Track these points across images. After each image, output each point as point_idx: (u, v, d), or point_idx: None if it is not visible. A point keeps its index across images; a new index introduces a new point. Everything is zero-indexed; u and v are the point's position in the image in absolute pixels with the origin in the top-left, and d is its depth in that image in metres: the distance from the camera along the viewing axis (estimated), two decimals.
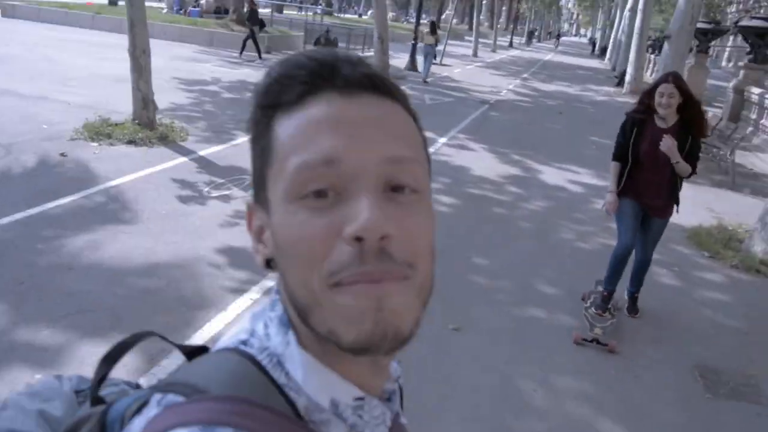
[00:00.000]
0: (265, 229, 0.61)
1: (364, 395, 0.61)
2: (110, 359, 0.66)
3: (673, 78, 4.11)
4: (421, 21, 22.51)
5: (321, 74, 0.56)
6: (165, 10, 25.70)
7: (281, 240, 0.56)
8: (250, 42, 18.40)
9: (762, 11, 24.94)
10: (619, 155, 4.36)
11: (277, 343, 0.60)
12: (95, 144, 7.47)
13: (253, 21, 18.50)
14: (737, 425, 3.60)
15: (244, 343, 0.60)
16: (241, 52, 18.39)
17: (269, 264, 0.61)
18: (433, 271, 0.58)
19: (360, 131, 0.54)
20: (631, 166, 4.29)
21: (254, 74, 15.17)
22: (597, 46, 52.95)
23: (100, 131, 7.79)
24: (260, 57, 18.34)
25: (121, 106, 8.90)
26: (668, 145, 4.03)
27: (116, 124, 8.12)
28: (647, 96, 4.18)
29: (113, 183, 6.21)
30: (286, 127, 0.56)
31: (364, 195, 0.52)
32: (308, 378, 0.58)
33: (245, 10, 19.06)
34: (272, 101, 0.58)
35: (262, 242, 0.62)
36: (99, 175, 6.39)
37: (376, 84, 0.58)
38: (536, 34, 73.90)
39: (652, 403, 3.67)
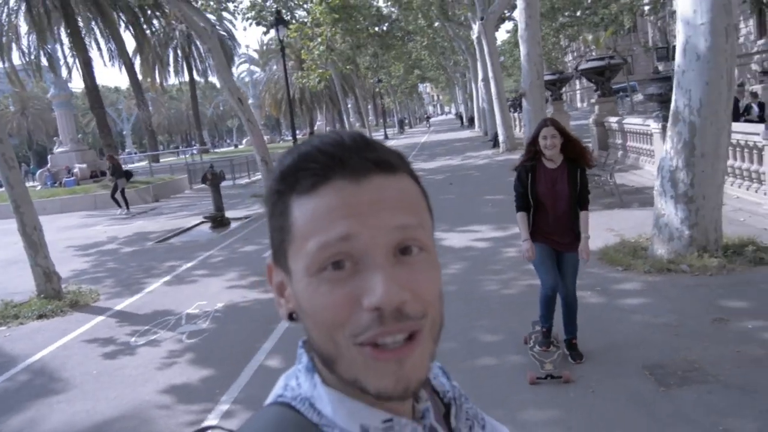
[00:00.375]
0: (286, 286, 0.68)
1: (392, 416, 0.66)
2: None
3: (551, 122, 4.49)
4: (297, 136, 23.28)
5: (331, 166, 0.62)
6: (39, 187, 25.19)
7: (305, 306, 0.63)
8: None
9: (593, 53, 27.77)
10: (522, 204, 4.59)
11: (307, 388, 0.67)
12: (4, 327, 7.16)
13: (118, 174, 18.45)
14: (694, 407, 3.82)
15: (281, 396, 0.68)
16: (127, 207, 18.22)
17: (291, 317, 0.68)
18: (442, 310, 0.66)
19: (369, 210, 0.60)
20: (534, 211, 4.55)
21: (149, 225, 15.05)
22: (464, 118, 55.97)
23: (6, 314, 7.52)
24: (127, 209, 18.19)
25: (21, 286, 8.61)
26: (588, 253, 4.52)
27: (21, 304, 7.82)
28: (532, 144, 4.53)
29: (34, 358, 5.94)
30: (303, 211, 0.62)
31: (378, 269, 0.59)
32: (337, 411, 0.65)
33: (108, 166, 18.99)
34: (288, 188, 0.64)
35: (284, 297, 0.69)
36: (17, 354, 6.11)
37: (380, 165, 0.63)
38: (407, 121, 77.92)
39: (615, 409, 3.84)
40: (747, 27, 35.15)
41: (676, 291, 5.92)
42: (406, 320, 0.60)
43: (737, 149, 9.57)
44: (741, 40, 33.86)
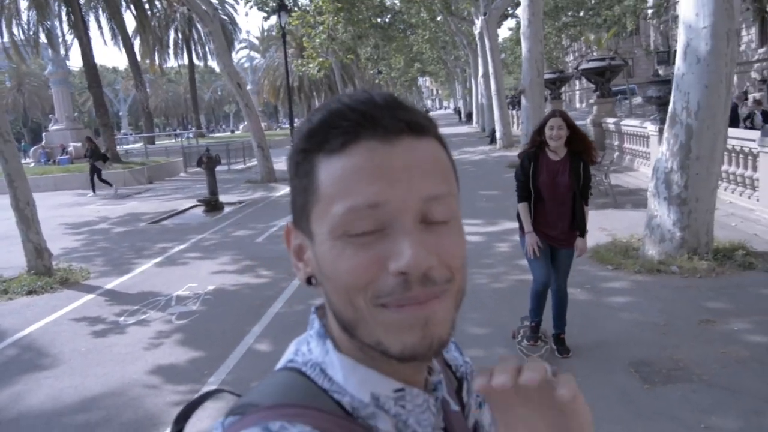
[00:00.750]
0: (305, 249, 0.66)
1: (404, 386, 0.65)
2: (181, 418, 0.70)
3: (560, 113, 4.47)
4: (295, 124, 23.25)
5: (363, 125, 0.59)
6: (32, 164, 25.09)
7: (328, 269, 0.61)
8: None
9: (595, 54, 27.82)
10: (524, 194, 4.55)
11: (318, 354, 0.66)
12: None
13: (96, 157, 18.38)
14: (678, 404, 3.86)
15: (292, 361, 0.67)
16: (93, 190, 18.17)
17: (310, 281, 0.66)
18: (466, 276, 0.65)
19: (400, 176, 0.58)
20: (535, 201, 4.52)
21: (142, 206, 15.02)
22: (463, 113, 56.02)
23: None
24: (93, 192, 18.15)
25: (12, 261, 8.58)
26: (584, 249, 4.55)
27: (10, 279, 7.80)
28: (537, 134, 4.49)
29: (23, 333, 5.94)
30: (330, 171, 0.59)
31: (407, 234, 0.57)
32: (348, 378, 0.64)
33: (86, 148, 18.96)
34: (315, 146, 0.61)
35: (303, 261, 0.67)
36: (5, 329, 6.10)
37: (413, 127, 0.61)
38: None
39: (599, 405, 3.87)
40: (749, 35, 35.21)
41: (665, 291, 5.96)
42: (432, 285, 0.58)
43: (732, 155, 9.62)
44: (742, 47, 33.94)
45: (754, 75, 32.76)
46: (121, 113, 63.04)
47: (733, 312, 5.28)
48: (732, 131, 8.78)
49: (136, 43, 40.71)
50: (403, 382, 0.65)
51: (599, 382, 4.20)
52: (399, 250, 0.57)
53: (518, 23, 19.40)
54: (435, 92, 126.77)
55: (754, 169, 9.07)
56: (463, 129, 42.99)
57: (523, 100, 16.46)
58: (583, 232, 4.53)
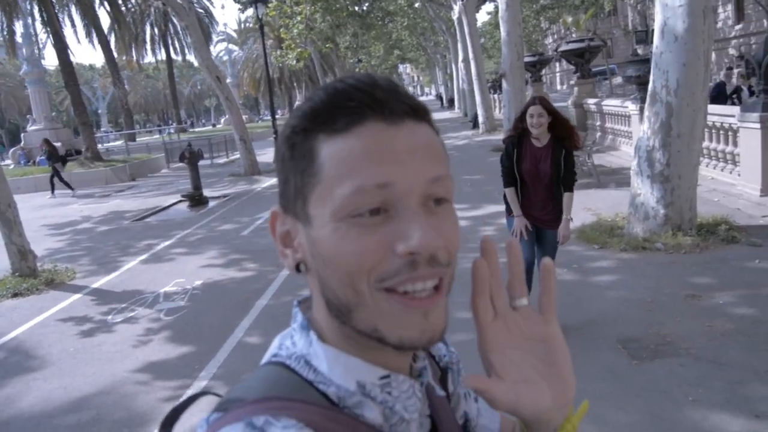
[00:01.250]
0: (295, 234, 0.65)
1: (389, 373, 0.65)
2: (167, 423, 0.69)
3: (540, 100, 4.46)
4: (277, 116, 23.09)
5: (370, 106, 0.59)
6: (12, 166, 24.77)
7: (329, 251, 0.59)
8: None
9: (573, 36, 27.86)
10: (510, 180, 4.57)
11: (302, 346, 0.66)
12: None
13: (55, 159, 18.15)
14: (665, 379, 3.91)
15: (276, 356, 0.66)
16: (52, 191, 17.90)
17: (299, 267, 0.65)
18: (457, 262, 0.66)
19: (404, 158, 0.59)
20: (520, 185, 4.54)
21: (125, 204, 14.91)
22: (444, 99, 55.91)
23: None
24: (52, 193, 17.90)
25: None
26: (567, 236, 4.51)
27: None
28: (519, 121, 4.50)
29: (9, 336, 5.89)
30: (335, 152, 0.59)
31: (414, 216, 0.58)
32: (333, 368, 0.63)
33: (44, 150, 18.69)
34: (318, 126, 0.60)
35: (291, 247, 0.65)
36: None
37: (415, 110, 0.62)
38: None
39: (588, 382, 3.90)
40: (725, 12, 35.44)
41: (650, 268, 6.02)
42: (437, 266, 0.59)
43: (713, 131, 9.69)
44: (719, 24, 34.16)
45: (731, 51, 33.02)
46: (100, 111, 62.22)
47: (718, 286, 5.35)
48: (712, 108, 8.85)
49: (112, 40, 40.28)
50: (388, 367, 0.65)
51: (588, 360, 4.24)
52: (408, 231, 0.57)
53: (496, 7, 19.32)
54: (416, 79, 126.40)
55: (735, 144, 9.15)
56: (446, 114, 42.97)
57: (504, 84, 16.47)
58: (564, 219, 4.54)
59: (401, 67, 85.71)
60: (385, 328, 0.59)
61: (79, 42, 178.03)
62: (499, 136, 16.68)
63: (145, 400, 4.31)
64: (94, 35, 34.55)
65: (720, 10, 34.87)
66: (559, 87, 58.38)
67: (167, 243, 9.69)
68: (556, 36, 50.73)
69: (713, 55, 19.01)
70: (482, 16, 58.21)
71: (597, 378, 3.96)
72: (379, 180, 0.57)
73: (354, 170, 0.58)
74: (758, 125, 8.10)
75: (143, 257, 8.88)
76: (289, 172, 0.63)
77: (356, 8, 30.24)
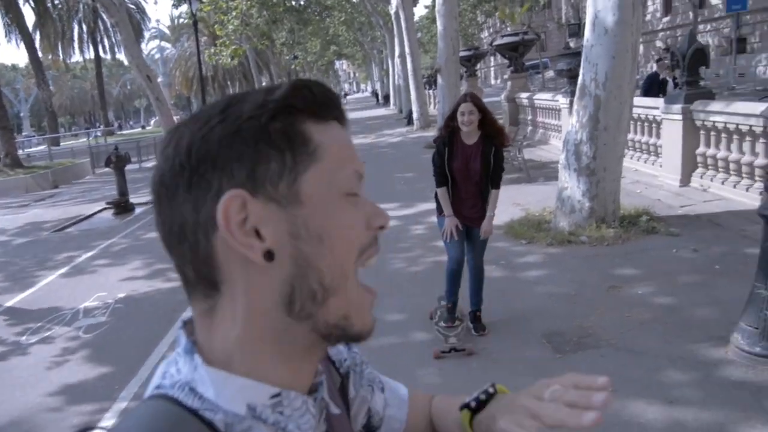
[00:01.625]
0: (258, 221, 0.58)
1: (280, 390, 0.62)
2: None
3: (471, 97, 4.47)
4: None
5: (339, 107, 0.67)
6: None
7: (326, 227, 0.60)
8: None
9: (509, 29, 28.26)
10: (442, 179, 4.56)
11: (186, 372, 0.61)
12: None
13: None
14: (587, 371, 3.85)
15: (159, 387, 0.61)
16: None
17: (271, 256, 0.59)
18: None
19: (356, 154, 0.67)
20: (451, 184, 4.55)
21: (45, 214, 14.22)
22: (380, 95, 55.80)
23: None
24: None
25: None
26: (488, 231, 4.52)
27: None
28: (450, 119, 4.50)
29: None
30: (330, 136, 0.64)
31: (369, 200, 0.67)
32: (220, 392, 0.59)
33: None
34: (304, 113, 0.62)
35: (259, 238, 0.58)
36: None
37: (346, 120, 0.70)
38: None
39: (513, 377, 3.90)
40: (654, 4, 36.68)
41: (575, 262, 6.12)
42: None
43: (638, 123, 9.96)
44: (648, 17, 35.33)
45: (659, 44, 34.24)
46: (22, 114, 59.47)
47: (638, 276, 5.48)
48: (638, 100, 9.09)
49: (37, 38, 38.61)
50: (281, 385, 0.62)
51: (514, 355, 4.29)
52: (377, 210, 0.66)
53: (434, 1, 19.42)
54: (352, 75, 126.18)
55: (658, 136, 9.44)
56: (381, 112, 42.89)
57: (439, 79, 16.54)
58: (487, 216, 4.56)
59: (338, 64, 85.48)
60: (356, 315, 0.63)
61: None
62: (434, 133, 16.83)
63: (59, 427, 4.06)
64: (18, 33, 33.09)
65: (649, 2, 36.07)
66: (493, 81, 59.32)
67: (89, 254, 9.27)
68: (492, 30, 51.52)
69: (641, 48, 19.55)
70: (420, 10, 58.40)
71: (522, 373, 3.99)
72: (360, 169, 0.66)
73: (350, 155, 0.65)
74: (680, 116, 8.36)
75: (62, 271, 8.48)
76: (269, 153, 0.59)
77: (293, 3, 29.92)
